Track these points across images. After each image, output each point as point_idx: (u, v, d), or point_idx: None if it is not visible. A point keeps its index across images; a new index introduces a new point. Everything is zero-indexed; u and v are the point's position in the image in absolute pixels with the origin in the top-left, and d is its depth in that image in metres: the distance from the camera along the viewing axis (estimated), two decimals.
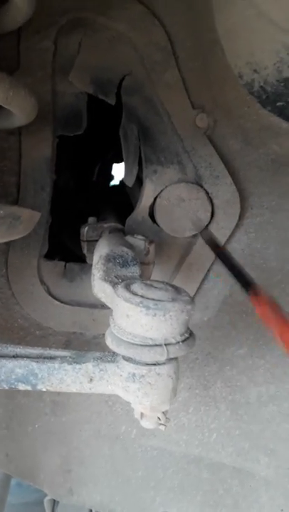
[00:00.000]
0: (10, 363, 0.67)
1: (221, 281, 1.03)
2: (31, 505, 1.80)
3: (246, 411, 1.06)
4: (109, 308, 1.04)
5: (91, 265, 1.06)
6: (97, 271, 0.73)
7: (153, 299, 0.61)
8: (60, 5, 0.89)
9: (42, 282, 1.00)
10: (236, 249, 1.02)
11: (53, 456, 1.08)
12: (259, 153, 0.98)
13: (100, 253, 0.77)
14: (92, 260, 1.05)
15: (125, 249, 0.77)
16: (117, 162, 2.71)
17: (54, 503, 1.43)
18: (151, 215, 1.00)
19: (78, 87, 0.92)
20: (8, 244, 0.97)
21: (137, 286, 0.66)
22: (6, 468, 1.08)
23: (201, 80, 0.95)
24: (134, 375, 0.64)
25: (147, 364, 0.65)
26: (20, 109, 0.67)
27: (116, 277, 0.72)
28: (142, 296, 0.63)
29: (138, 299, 0.62)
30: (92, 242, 1.04)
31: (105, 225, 1.04)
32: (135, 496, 1.13)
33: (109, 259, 0.75)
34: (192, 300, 0.64)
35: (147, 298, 0.62)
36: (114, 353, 0.70)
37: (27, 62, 0.90)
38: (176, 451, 1.10)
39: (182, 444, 1.09)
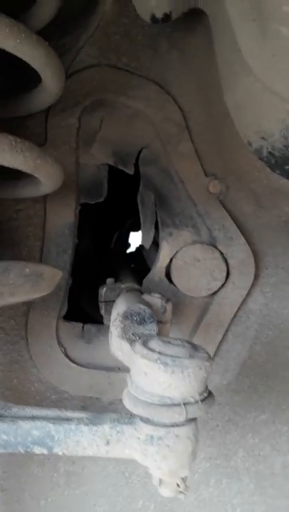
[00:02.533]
0: (26, 425, 0.66)
1: (240, 343, 1.02)
2: None
3: (271, 483, 0.99)
4: (126, 371, 1.03)
5: (108, 326, 1.07)
6: (114, 328, 0.73)
7: (171, 356, 0.61)
8: (85, 87, 0.99)
9: (60, 344, 1.01)
10: (254, 310, 1.02)
11: None
12: (272, 215, 1.01)
13: (117, 311, 0.78)
14: (109, 321, 1.06)
15: (142, 306, 0.79)
16: (134, 231, 2.81)
17: None
18: (168, 275, 1.02)
19: (100, 159, 0.99)
20: (28, 306, 0.99)
21: (154, 343, 0.66)
22: None
23: (213, 150, 1.02)
24: (152, 437, 0.62)
25: (166, 425, 0.63)
26: (47, 178, 0.73)
27: (133, 335, 0.72)
28: (159, 353, 0.63)
29: (155, 356, 0.62)
30: (110, 303, 1.05)
31: (123, 286, 1.06)
32: None
33: (127, 316, 0.75)
34: (210, 357, 0.64)
35: (165, 354, 0.62)
36: (131, 414, 0.68)
37: (53, 137, 0.98)
38: None
39: None
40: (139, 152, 1.01)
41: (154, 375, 0.61)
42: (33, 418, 0.69)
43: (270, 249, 1.02)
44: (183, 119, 1.01)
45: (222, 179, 1.02)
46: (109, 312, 1.05)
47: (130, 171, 1.01)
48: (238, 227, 1.00)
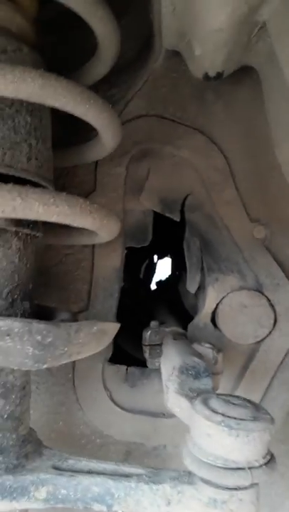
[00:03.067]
0: (86, 480, 0.66)
1: (287, 390, 1.00)
2: None
3: None
4: (170, 417, 1.03)
5: (152, 370, 1.07)
6: (171, 384, 0.73)
7: (234, 418, 0.61)
8: (132, 137, 1.03)
9: (105, 387, 1.01)
10: None
11: None
12: None
13: (172, 364, 0.78)
14: (153, 365, 1.06)
15: (197, 359, 0.79)
16: (161, 258, 2.82)
17: None
18: (213, 321, 1.02)
19: (148, 206, 1.02)
20: None
21: (215, 403, 0.66)
22: None
23: (258, 197, 1.03)
24: (215, 500, 0.62)
25: (229, 488, 0.62)
26: (109, 233, 0.75)
27: (190, 390, 0.72)
28: (222, 415, 0.62)
29: (219, 418, 0.62)
30: (155, 347, 1.06)
31: (167, 330, 1.06)
32: None
33: (183, 371, 0.76)
34: (273, 419, 0.63)
35: (228, 416, 0.62)
36: (189, 472, 0.68)
37: (102, 185, 1.01)
38: None
39: None
40: (185, 199, 1.03)
41: (218, 438, 0.61)
42: (91, 473, 0.69)
43: None
44: (227, 167, 1.03)
45: (267, 225, 1.03)
46: (153, 356, 1.06)
47: (176, 217, 1.03)
48: (284, 272, 1.00)
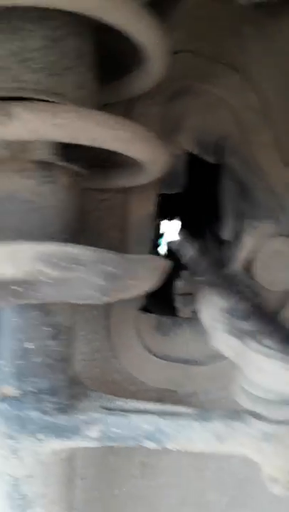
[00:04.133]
0: (136, 419, 0.66)
1: None
2: None
3: None
4: (203, 365, 1.03)
5: (184, 319, 1.06)
6: (220, 324, 0.72)
7: None
8: (168, 75, 0.97)
9: (138, 335, 1.00)
10: None
11: None
12: None
13: (218, 305, 0.77)
14: (185, 314, 1.06)
15: (244, 302, 0.78)
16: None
17: None
18: (247, 269, 1.00)
19: (186, 148, 0.97)
20: None
21: (269, 341, 0.65)
22: None
23: None
24: (267, 434, 0.62)
25: (282, 422, 0.62)
26: (158, 169, 0.71)
27: (239, 330, 0.71)
28: (277, 350, 0.62)
29: (274, 352, 0.61)
30: (186, 296, 1.05)
31: (199, 278, 1.05)
32: None
33: (230, 311, 0.74)
34: None
35: (283, 351, 0.62)
36: (237, 411, 0.68)
37: None
38: None
39: None
40: (221, 141, 0.99)
41: (273, 372, 0.60)
42: (139, 412, 0.68)
43: None
44: (264, 108, 0.98)
45: None
46: (185, 304, 1.05)
47: (213, 160, 0.98)
48: None
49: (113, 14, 0.55)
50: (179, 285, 1.04)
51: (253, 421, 0.64)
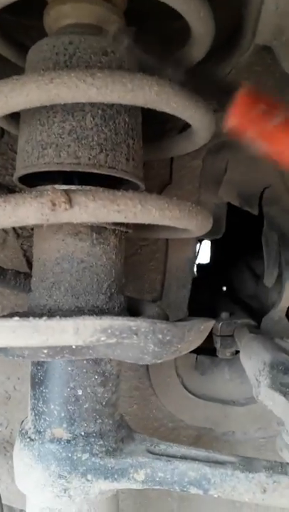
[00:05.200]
0: (183, 465, 0.70)
1: None
2: None
3: None
4: (241, 405, 1.06)
5: (222, 359, 1.10)
6: (263, 378, 0.76)
7: None
8: None
9: (178, 374, 1.05)
10: None
11: None
12: None
13: (261, 358, 0.80)
14: (224, 355, 1.09)
15: (285, 356, 0.81)
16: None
17: None
18: (287, 315, 1.04)
19: (227, 200, 1.02)
20: None
21: None
22: None
23: None
24: None
25: None
26: (202, 232, 0.77)
27: (282, 385, 0.74)
28: None
29: None
30: (226, 337, 1.08)
31: (239, 321, 1.08)
32: None
33: (273, 366, 0.78)
34: None
35: None
36: (281, 463, 0.70)
37: (179, 178, 1.02)
38: None
39: None
40: (262, 193, 1.03)
41: None
42: (185, 458, 0.72)
43: None
44: None
45: None
46: (224, 346, 1.08)
47: (255, 211, 1.03)
48: None
49: (161, 102, 0.62)
50: (219, 327, 1.08)
51: None
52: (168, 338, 0.57)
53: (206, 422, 1.05)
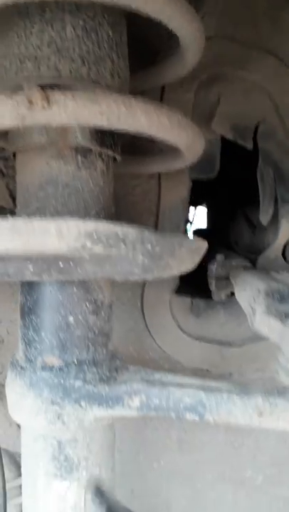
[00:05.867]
0: (178, 392, 0.68)
1: None
2: None
3: None
4: (238, 346, 1.05)
5: (217, 302, 1.09)
6: (258, 305, 0.74)
7: None
8: (201, 62, 0.97)
9: (172, 316, 1.03)
10: None
11: (177, 497, 1.06)
12: None
13: (256, 287, 0.78)
14: (219, 297, 1.07)
15: (281, 284, 0.79)
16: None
17: None
18: (283, 254, 1.01)
19: (220, 133, 0.98)
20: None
21: None
22: (130, 505, 1.06)
23: None
24: None
25: None
26: (193, 154, 0.73)
27: (277, 312, 0.73)
28: None
29: None
30: (220, 279, 1.06)
31: (234, 263, 1.06)
32: None
33: (268, 293, 0.76)
34: None
35: None
36: (279, 387, 0.69)
37: None
38: None
39: None
40: (257, 126, 0.99)
41: None
42: (180, 385, 0.71)
43: None
44: None
45: None
46: (219, 288, 1.07)
47: (249, 145, 0.99)
48: None
49: (147, 3, 0.57)
50: (214, 269, 1.05)
51: None
52: (157, 249, 0.54)
53: (202, 364, 1.04)
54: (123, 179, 1.00)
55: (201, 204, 2.90)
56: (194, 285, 1.16)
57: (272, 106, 0.98)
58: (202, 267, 1.15)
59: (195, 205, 2.81)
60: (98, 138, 0.66)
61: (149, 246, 0.53)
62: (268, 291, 0.76)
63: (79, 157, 0.66)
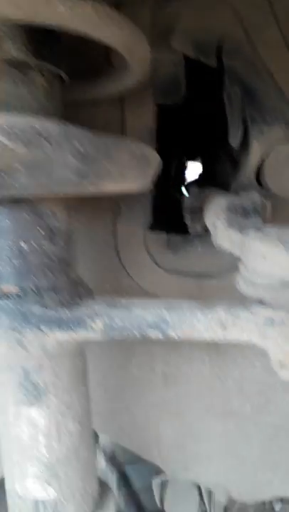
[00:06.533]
0: (140, 311, 0.67)
1: None
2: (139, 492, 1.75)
3: None
4: (215, 278, 1.03)
5: (194, 236, 1.06)
6: (220, 221, 0.71)
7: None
8: None
9: (148, 253, 1.01)
10: None
11: (166, 430, 1.07)
12: None
13: (219, 205, 0.75)
14: (195, 229, 1.05)
15: (245, 200, 0.76)
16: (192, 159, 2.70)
17: (163, 485, 1.41)
18: (258, 177, 0.97)
19: (180, 50, 0.92)
20: (115, 215, 1.00)
21: (268, 230, 0.64)
22: (120, 440, 1.08)
23: None
24: (272, 320, 0.62)
25: (284, 306, 0.61)
26: (137, 61, 0.68)
27: (240, 226, 0.70)
28: (279, 238, 0.60)
29: (274, 239, 0.60)
30: (196, 211, 1.03)
31: (208, 192, 1.03)
32: (251, 477, 1.08)
33: (231, 209, 0.73)
34: None
35: (283, 238, 0.60)
36: (240, 301, 0.67)
37: None
38: None
39: None
40: (222, 43, 0.93)
41: (274, 258, 0.59)
42: (144, 306, 0.70)
43: None
44: (267, 4, 0.91)
45: None
46: (194, 220, 1.04)
47: (212, 63, 0.93)
48: None
49: None
50: (188, 201, 1.02)
51: (257, 308, 0.64)
52: (89, 150, 0.50)
53: (181, 296, 1.02)
54: (82, 109, 0.96)
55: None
56: (172, 222, 1.13)
57: (237, 19, 0.92)
58: (178, 202, 1.12)
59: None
60: (34, 49, 0.62)
61: (77, 144, 0.49)
62: (230, 207, 0.73)
63: (15, 72, 0.62)
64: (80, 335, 0.67)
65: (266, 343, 0.63)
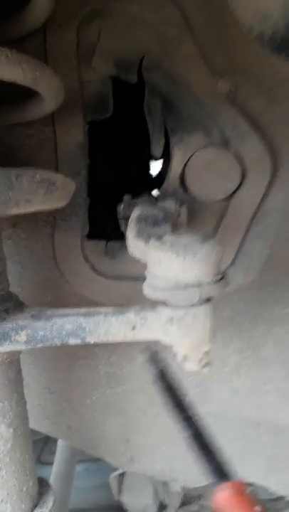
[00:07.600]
0: (60, 321, 0.73)
1: (261, 242, 1.04)
2: (98, 488, 1.84)
3: None
4: None
5: None
6: (130, 231, 0.77)
7: (183, 245, 0.65)
8: None
9: (86, 261, 1.06)
10: (273, 208, 1.02)
11: (112, 427, 1.13)
12: (284, 109, 0.98)
13: (133, 216, 0.81)
14: None
15: (156, 210, 0.81)
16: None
17: (120, 480, 1.47)
18: (182, 183, 1.03)
19: (101, 70, 0.97)
20: (52, 228, 1.04)
21: (167, 238, 0.69)
22: (69, 440, 1.14)
23: (218, 48, 0.97)
24: (172, 318, 0.68)
25: (183, 307, 0.68)
26: (49, 91, 0.73)
27: (148, 235, 0.75)
28: (171, 244, 0.66)
29: (168, 246, 0.66)
30: (128, 219, 1.09)
31: (139, 200, 1.08)
32: (196, 464, 1.15)
33: (141, 219, 0.79)
34: (217, 241, 0.66)
35: (177, 244, 0.66)
36: (153, 304, 0.74)
37: (54, 57, 0.96)
38: (233, 417, 1.10)
39: (238, 408, 1.09)
40: (142, 60, 0.98)
41: (167, 263, 0.65)
42: (65, 315, 0.75)
43: (286, 144, 1.00)
44: (182, 19, 0.96)
45: (230, 77, 0.98)
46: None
47: (133, 80, 0.98)
48: (250, 125, 0.98)
49: None
50: (120, 210, 1.07)
51: (161, 308, 0.70)
52: None
53: (120, 300, 1.08)
54: (16, 131, 1.00)
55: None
56: (110, 229, 1.18)
57: (155, 36, 0.97)
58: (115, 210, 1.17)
59: None
60: None
61: None
62: (141, 217, 0.78)
63: None
64: (6, 347, 0.73)
65: (169, 339, 0.69)
